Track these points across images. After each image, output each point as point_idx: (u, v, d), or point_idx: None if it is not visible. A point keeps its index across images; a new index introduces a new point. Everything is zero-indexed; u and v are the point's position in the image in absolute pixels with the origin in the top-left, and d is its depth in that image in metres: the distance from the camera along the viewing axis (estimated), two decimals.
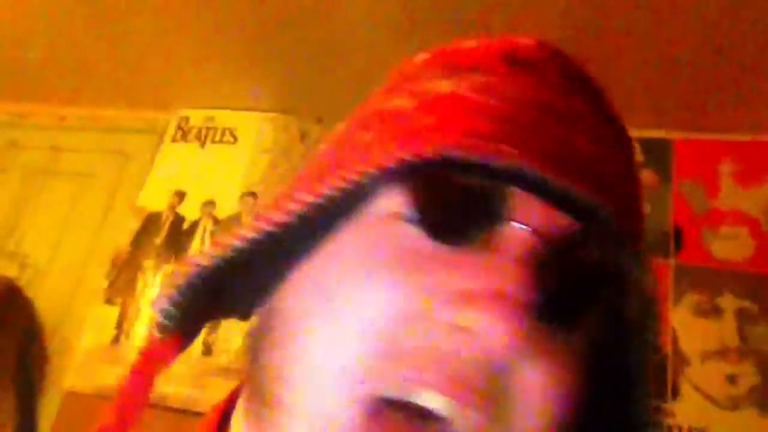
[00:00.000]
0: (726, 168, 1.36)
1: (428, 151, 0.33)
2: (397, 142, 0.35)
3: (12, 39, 1.67)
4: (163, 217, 1.67)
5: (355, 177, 0.34)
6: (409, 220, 0.36)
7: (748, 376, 1.19)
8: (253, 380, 0.39)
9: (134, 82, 1.75)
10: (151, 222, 1.67)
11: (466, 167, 0.33)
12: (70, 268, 1.67)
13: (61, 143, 1.86)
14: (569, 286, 0.36)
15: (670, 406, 1.20)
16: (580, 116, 0.39)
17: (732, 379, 1.19)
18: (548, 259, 0.35)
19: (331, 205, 0.35)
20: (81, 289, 1.64)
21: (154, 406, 1.42)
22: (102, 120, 1.86)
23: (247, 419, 0.40)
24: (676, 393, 1.20)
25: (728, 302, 1.24)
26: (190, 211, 1.66)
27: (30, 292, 1.61)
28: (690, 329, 1.24)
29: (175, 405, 1.34)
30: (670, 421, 1.19)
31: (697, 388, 1.20)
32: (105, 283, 1.62)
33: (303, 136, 1.69)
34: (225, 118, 1.76)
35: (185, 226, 1.65)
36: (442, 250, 0.35)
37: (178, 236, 1.64)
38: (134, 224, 1.67)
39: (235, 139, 1.73)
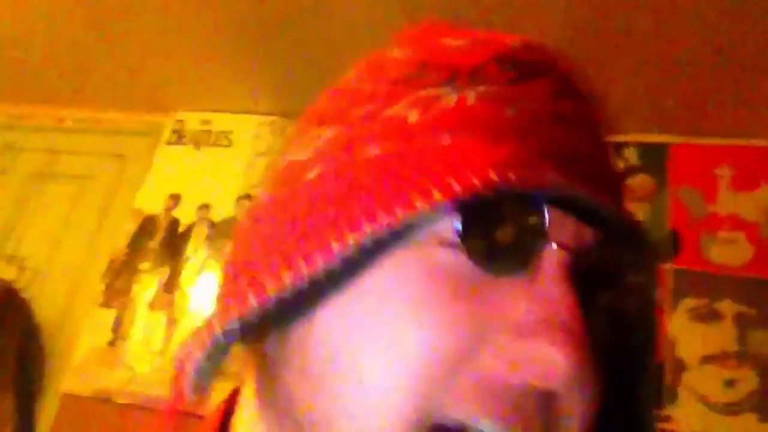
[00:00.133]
0: (723, 173, 1.37)
1: (481, 186, 0.32)
2: (435, 172, 0.34)
3: (10, 41, 1.67)
4: (159, 219, 1.66)
5: (407, 214, 0.33)
6: (456, 250, 0.35)
7: (747, 381, 1.19)
8: (278, 408, 0.38)
9: (131, 84, 1.74)
10: (147, 225, 1.67)
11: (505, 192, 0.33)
12: (67, 271, 1.67)
13: (58, 146, 1.85)
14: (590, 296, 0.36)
15: (668, 411, 1.20)
16: (581, 121, 0.40)
17: (730, 384, 1.19)
18: (578, 273, 0.35)
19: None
20: (78, 292, 1.63)
21: (152, 409, 1.42)
22: (99, 122, 1.86)
23: None
24: (674, 398, 1.21)
25: (726, 307, 1.24)
26: (185, 214, 1.66)
27: (28, 295, 1.61)
28: (688, 334, 1.24)
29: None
30: (668, 426, 1.19)
31: (695, 393, 1.20)
32: (102, 286, 1.61)
33: None
34: (221, 121, 1.76)
35: (181, 229, 1.65)
36: (490, 278, 0.34)
37: (174, 239, 1.64)
38: (131, 227, 1.67)
39: (231, 142, 1.73)
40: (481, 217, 0.34)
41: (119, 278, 1.62)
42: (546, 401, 0.33)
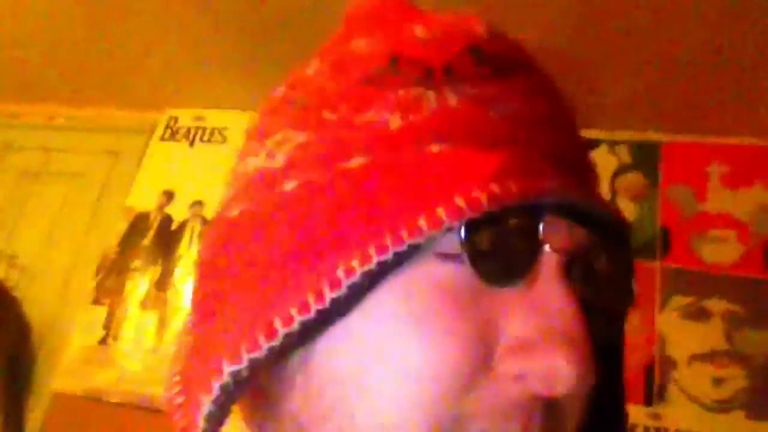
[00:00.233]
0: (715, 171, 1.37)
1: (486, 202, 0.32)
2: (436, 189, 0.33)
3: (3, 40, 1.66)
4: (152, 217, 1.66)
5: (413, 238, 0.32)
6: (457, 263, 0.34)
7: (736, 379, 1.19)
8: (277, 427, 0.38)
9: (124, 81, 1.74)
10: (139, 222, 1.66)
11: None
12: (58, 269, 1.66)
13: (51, 143, 1.85)
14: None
15: (657, 409, 1.20)
16: (557, 117, 0.40)
17: (719, 382, 1.20)
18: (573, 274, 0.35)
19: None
20: (70, 290, 1.63)
21: (144, 408, 1.42)
22: (92, 120, 1.85)
23: None
24: (663, 396, 1.21)
25: (716, 305, 1.25)
26: (178, 211, 1.66)
27: (18, 293, 1.61)
28: (677, 332, 1.24)
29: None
30: (658, 424, 1.19)
31: (684, 391, 1.20)
32: (93, 284, 1.61)
33: None
34: (215, 117, 1.75)
35: (174, 226, 1.64)
36: (490, 289, 0.34)
37: (167, 237, 1.63)
38: (123, 224, 1.67)
39: (225, 138, 1.72)
40: (482, 228, 0.33)
41: (111, 276, 1.61)
42: (551, 406, 0.34)
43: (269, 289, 0.34)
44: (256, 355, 0.33)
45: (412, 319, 0.34)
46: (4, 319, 1.54)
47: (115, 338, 1.53)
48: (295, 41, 1.41)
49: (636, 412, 1.20)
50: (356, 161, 0.35)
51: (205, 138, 1.73)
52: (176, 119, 1.77)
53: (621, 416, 0.42)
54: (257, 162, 0.39)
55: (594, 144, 1.41)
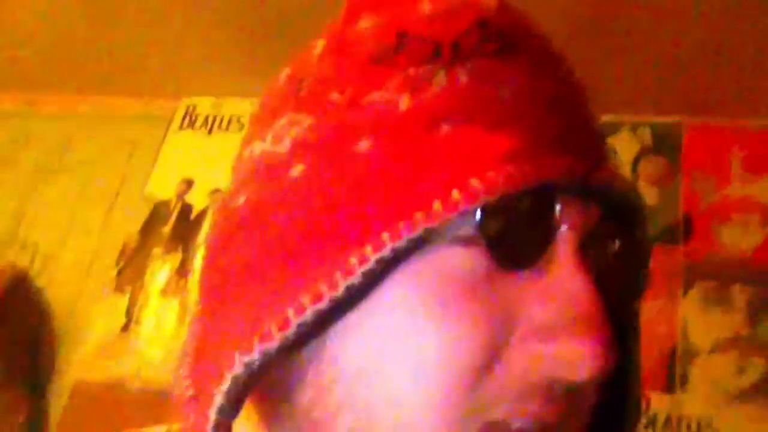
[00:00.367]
0: (737, 154, 1.35)
1: (502, 184, 0.31)
2: (450, 172, 0.32)
3: (20, 29, 1.67)
4: (171, 205, 1.67)
5: (428, 223, 0.31)
6: (471, 248, 0.33)
7: (758, 366, 1.18)
8: (289, 420, 0.37)
9: (142, 70, 1.74)
10: (159, 210, 1.67)
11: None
12: (79, 257, 1.67)
13: (69, 132, 1.86)
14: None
15: (679, 396, 1.19)
16: (565, 92, 0.39)
17: (742, 370, 1.18)
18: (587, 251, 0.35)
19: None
20: (90, 278, 1.64)
21: (164, 394, 1.42)
22: (110, 108, 1.86)
23: None
24: (685, 383, 1.20)
25: (738, 291, 1.23)
26: (198, 199, 1.66)
27: (40, 282, 1.62)
28: (699, 319, 1.23)
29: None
30: (679, 411, 1.19)
31: (706, 379, 1.20)
32: (114, 272, 1.62)
33: None
34: (232, 105, 1.75)
35: (193, 214, 1.65)
36: (506, 274, 0.33)
37: (187, 225, 1.64)
38: (143, 213, 1.67)
39: (243, 126, 1.72)
40: (497, 211, 0.32)
41: (131, 264, 1.62)
42: (569, 388, 0.33)
43: (280, 278, 0.34)
44: (268, 346, 0.32)
45: (427, 307, 0.33)
46: (26, 308, 1.55)
47: (137, 325, 1.54)
48: (314, 28, 1.40)
49: (657, 400, 1.19)
50: (365, 144, 0.34)
51: (223, 126, 1.73)
52: (194, 107, 1.77)
53: (636, 398, 0.42)
54: (263, 146, 0.38)
55: (616, 127, 1.39)
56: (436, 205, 0.31)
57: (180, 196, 1.67)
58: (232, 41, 1.55)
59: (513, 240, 0.34)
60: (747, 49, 1.22)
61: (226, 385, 0.33)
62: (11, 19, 1.66)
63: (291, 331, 0.32)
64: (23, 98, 1.92)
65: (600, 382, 0.34)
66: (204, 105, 1.77)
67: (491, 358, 0.32)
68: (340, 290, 0.32)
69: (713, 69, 1.28)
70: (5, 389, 1.45)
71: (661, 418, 1.18)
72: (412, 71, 0.35)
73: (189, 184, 1.68)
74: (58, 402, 1.50)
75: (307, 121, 0.37)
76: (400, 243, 0.32)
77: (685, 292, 1.25)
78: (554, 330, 0.32)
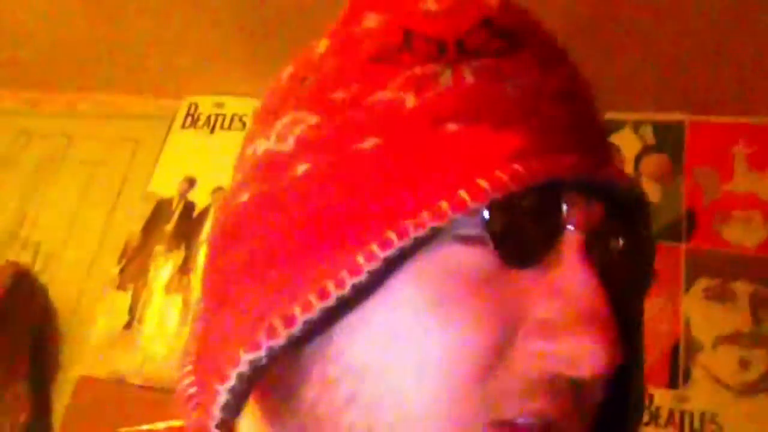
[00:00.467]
0: (740, 151, 1.35)
1: (510, 183, 0.31)
2: (458, 171, 0.32)
3: (24, 27, 1.67)
4: (174, 203, 1.67)
5: (435, 221, 0.31)
6: (477, 246, 0.33)
7: (761, 361, 1.18)
8: (292, 417, 0.37)
9: (144, 68, 1.74)
10: (161, 208, 1.67)
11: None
12: (82, 255, 1.68)
13: (72, 130, 1.86)
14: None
15: (682, 391, 1.19)
16: (570, 88, 0.39)
17: (745, 364, 1.18)
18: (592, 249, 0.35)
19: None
20: (93, 276, 1.65)
21: (168, 390, 1.43)
22: (113, 107, 1.86)
23: None
24: (688, 378, 1.20)
25: (741, 287, 1.23)
26: (200, 197, 1.66)
27: (43, 279, 1.63)
28: (703, 315, 1.23)
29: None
30: (682, 406, 1.19)
31: (709, 374, 1.19)
32: (117, 270, 1.62)
33: None
34: (235, 104, 1.75)
35: (196, 212, 1.65)
36: (512, 271, 0.33)
37: (189, 223, 1.64)
38: (145, 210, 1.68)
39: (245, 125, 1.72)
40: (503, 209, 0.32)
41: (134, 261, 1.63)
42: (575, 385, 0.33)
43: (285, 276, 0.33)
44: (274, 342, 0.32)
45: (432, 304, 0.33)
46: (30, 305, 1.56)
47: (140, 323, 1.55)
48: (314, 28, 1.40)
49: (661, 395, 1.19)
50: (370, 142, 0.34)
51: (225, 125, 1.73)
52: (196, 106, 1.78)
53: (640, 394, 0.42)
54: (267, 145, 0.38)
55: (618, 125, 1.39)
56: (443, 204, 0.31)
57: (182, 194, 1.67)
58: (234, 40, 1.55)
59: (519, 238, 0.34)
60: (748, 47, 1.22)
61: (230, 382, 0.33)
62: (12, 19, 1.67)
63: (297, 328, 0.32)
64: (25, 97, 1.93)
65: (606, 379, 0.34)
66: (206, 104, 1.77)
67: (496, 355, 0.32)
68: (347, 288, 0.32)
69: (715, 67, 1.28)
70: (8, 386, 1.45)
71: (664, 414, 1.18)
72: (417, 70, 0.35)
73: (191, 182, 1.68)
74: (61, 399, 1.50)
75: (311, 119, 0.36)
76: (407, 242, 0.32)
77: (688, 288, 1.25)
78: (560, 327, 0.32)
